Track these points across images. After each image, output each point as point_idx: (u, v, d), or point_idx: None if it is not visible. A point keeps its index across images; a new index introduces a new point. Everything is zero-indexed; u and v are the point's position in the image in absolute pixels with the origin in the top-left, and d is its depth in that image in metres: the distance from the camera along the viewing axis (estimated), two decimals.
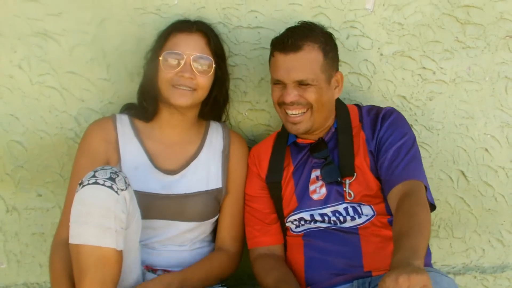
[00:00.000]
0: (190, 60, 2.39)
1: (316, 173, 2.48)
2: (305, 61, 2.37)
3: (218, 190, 2.55)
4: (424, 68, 2.76)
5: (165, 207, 2.44)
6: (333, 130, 2.50)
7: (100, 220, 2.11)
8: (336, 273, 2.37)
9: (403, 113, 2.66)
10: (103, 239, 2.11)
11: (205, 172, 2.54)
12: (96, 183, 2.13)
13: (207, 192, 2.52)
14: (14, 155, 2.73)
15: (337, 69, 2.50)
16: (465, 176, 2.89)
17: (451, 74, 2.77)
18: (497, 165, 2.89)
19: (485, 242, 3.00)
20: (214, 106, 2.58)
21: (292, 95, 2.37)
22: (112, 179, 2.15)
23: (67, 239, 2.34)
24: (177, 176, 2.50)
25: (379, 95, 2.77)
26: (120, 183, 2.16)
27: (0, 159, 2.73)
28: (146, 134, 2.53)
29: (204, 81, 2.43)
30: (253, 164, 2.60)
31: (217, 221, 2.62)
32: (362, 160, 2.43)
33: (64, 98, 2.68)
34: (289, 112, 2.41)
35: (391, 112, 2.49)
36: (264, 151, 2.60)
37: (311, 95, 2.38)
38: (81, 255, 2.12)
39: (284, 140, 2.57)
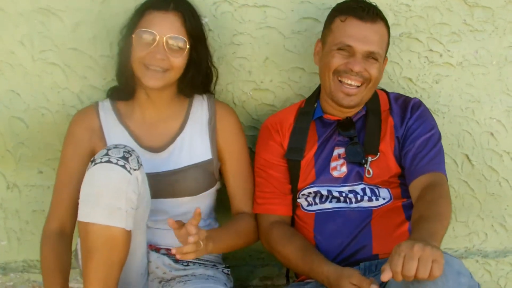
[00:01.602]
0: (163, 41, 2.33)
1: (339, 150, 2.47)
2: (380, 35, 2.38)
3: (208, 162, 2.52)
4: (431, 50, 2.73)
5: (156, 185, 2.41)
6: (363, 112, 2.49)
7: (111, 200, 2.09)
8: (346, 255, 2.38)
9: (409, 96, 2.65)
10: (112, 219, 2.10)
11: (191, 146, 2.51)
12: (109, 161, 2.11)
13: (196, 165, 2.49)
14: (15, 132, 2.71)
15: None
16: (469, 160, 2.88)
17: (458, 57, 2.75)
18: (502, 150, 2.87)
19: (488, 227, 3.00)
20: (192, 85, 2.52)
21: (361, 64, 2.35)
22: (125, 158, 2.13)
23: (57, 231, 2.38)
24: (164, 154, 2.48)
25: (385, 77, 2.74)
26: (133, 163, 2.14)
27: (1, 136, 2.71)
28: (129, 116, 2.51)
29: (177, 62, 2.37)
30: (275, 131, 2.56)
31: (217, 195, 2.60)
32: (387, 145, 2.43)
33: (66, 75, 2.65)
34: (347, 81, 2.38)
35: (419, 104, 2.51)
36: (286, 122, 2.56)
37: (375, 71, 2.38)
38: (90, 234, 2.11)
39: (308, 118, 2.53)
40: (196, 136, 2.53)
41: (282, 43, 2.68)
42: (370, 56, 2.36)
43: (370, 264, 2.31)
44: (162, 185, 2.43)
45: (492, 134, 2.85)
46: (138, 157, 2.18)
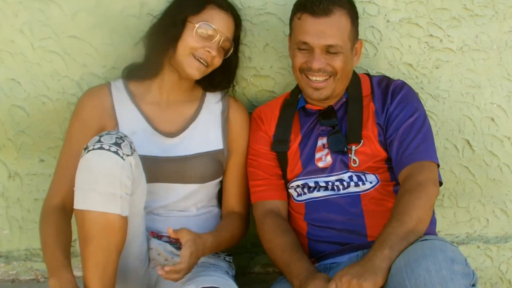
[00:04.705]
0: (221, 40, 2.40)
1: (322, 141, 2.47)
2: (336, 27, 2.34)
3: (219, 151, 2.54)
4: (431, 35, 2.73)
5: (165, 170, 2.43)
6: (344, 99, 2.49)
7: (106, 186, 2.09)
8: (340, 242, 2.37)
9: (409, 81, 2.65)
10: (108, 205, 2.09)
11: (204, 134, 2.53)
12: (101, 148, 2.10)
13: (207, 153, 2.51)
14: (16, 121, 2.72)
15: (358, 38, 2.48)
16: (470, 146, 2.87)
17: (458, 42, 2.74)
18: (503, 135, 2.87)
19: (489, 212, 2.99)
20: (212, 83, 2.59)
21: (320, 61, 2.34)
22: (117, 144, 2.13)
23: (59, 205, 2.37)
24: (176, 139, 2.49)
25: (385, 62, 2.75)
26: (125, 148, 2.14)
27: (2, 125, 2.72)
28: (142, 97, 2.52)
29: (219, 61, 2.45)
30: (261, 121, 2.58)
31: (221, 185, 2.61)
32: (369, 131, 2.42)
33: (66, 63, 2.65)
34: (313, 78, 2.38)
35: (401, 86, 2.48)
36: (271, 113, 2.58)
37: (338, 63, 2.36)
38: (86, 221, 2.11)
39: (292, 109, 2.55)
40: (209, 124, 2.55)
41: (282, 29, 2.68)
42: (330, 49, 2.35)
43: (368, 251, 2.30)
44: (171, 170, 2.44)
45: (492, 119, 2.84)
46: (131, 142, 2.18)
